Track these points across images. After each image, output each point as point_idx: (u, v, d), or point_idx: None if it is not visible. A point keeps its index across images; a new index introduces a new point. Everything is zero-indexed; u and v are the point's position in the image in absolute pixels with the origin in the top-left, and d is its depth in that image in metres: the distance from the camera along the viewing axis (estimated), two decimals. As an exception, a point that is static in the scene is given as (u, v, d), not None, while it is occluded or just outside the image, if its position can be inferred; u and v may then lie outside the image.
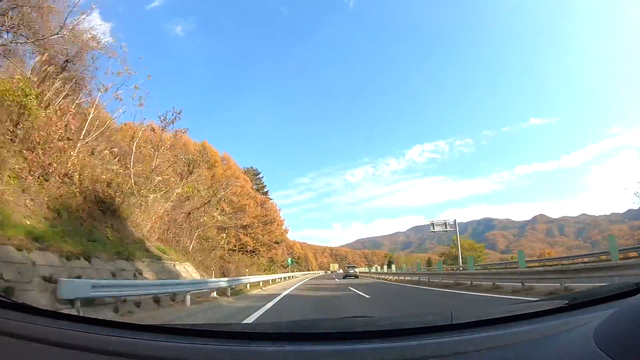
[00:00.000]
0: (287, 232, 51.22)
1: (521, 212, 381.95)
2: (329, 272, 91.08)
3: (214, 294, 11.14)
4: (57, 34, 10.10)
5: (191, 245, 18.22)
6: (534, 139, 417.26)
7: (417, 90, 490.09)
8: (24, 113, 8.28)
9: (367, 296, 11.60)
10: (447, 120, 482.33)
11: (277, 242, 47.05)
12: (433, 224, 37.13)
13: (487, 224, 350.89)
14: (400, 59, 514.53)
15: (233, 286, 13.06)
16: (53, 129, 8.87)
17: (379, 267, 54.67)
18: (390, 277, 29.08)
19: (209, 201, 23.01)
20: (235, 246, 37.39)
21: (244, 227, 39.68)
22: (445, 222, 36.77)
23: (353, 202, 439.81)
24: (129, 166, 14.01)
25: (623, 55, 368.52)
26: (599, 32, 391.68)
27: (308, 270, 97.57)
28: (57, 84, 10.46)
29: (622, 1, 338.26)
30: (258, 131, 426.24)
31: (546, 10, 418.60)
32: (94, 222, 9.46)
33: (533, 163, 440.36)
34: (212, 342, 1.00)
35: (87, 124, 11.10)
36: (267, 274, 29.63)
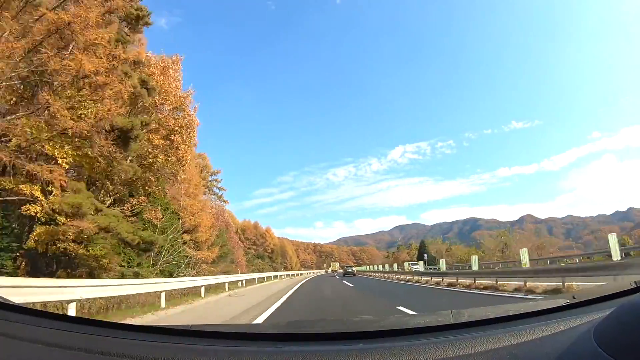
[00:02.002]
0: (192, 134, 15.25)
1: (502, 214, 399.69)
2: (329, 271, 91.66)
3: None
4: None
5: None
6: (515, 141, 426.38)
7: (400, 90, 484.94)
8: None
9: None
10: (429, 122, 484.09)
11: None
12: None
13: (472, 224, 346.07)
14: (384, 58, 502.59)
15: None
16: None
17: (395, 266, 40.04)
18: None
19: None
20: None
21: None
22: None
23: (335, 201, 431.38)
24: None
25: (604, 62, 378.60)
26: (581, 38, 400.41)
27: (287, 269, 66.83)
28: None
29: (602, 9, 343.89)
30: (240, 127, 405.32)
31: (530, 16, 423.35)
32: None
33: (514, 166, 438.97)
34: (212, 342, 1.00)
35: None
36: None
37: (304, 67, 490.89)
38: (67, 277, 10.12)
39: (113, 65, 10.66)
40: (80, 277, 10.44)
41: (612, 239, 9.79)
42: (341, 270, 62.46)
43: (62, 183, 9.88)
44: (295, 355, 0.85)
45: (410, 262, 43.28)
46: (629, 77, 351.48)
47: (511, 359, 0.76)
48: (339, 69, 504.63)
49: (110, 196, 13.46)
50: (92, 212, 10.35)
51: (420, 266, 26.72)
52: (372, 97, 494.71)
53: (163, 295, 8.62)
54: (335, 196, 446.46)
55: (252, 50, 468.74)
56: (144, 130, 12.93)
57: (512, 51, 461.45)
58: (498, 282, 10.73)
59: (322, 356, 0.84)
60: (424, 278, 18.88)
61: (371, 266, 69.00)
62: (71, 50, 9.98)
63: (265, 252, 77.34)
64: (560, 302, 1.14)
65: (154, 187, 15.32)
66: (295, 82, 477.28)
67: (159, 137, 14.37)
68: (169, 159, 14.69)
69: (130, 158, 12.80)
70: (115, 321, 1.17)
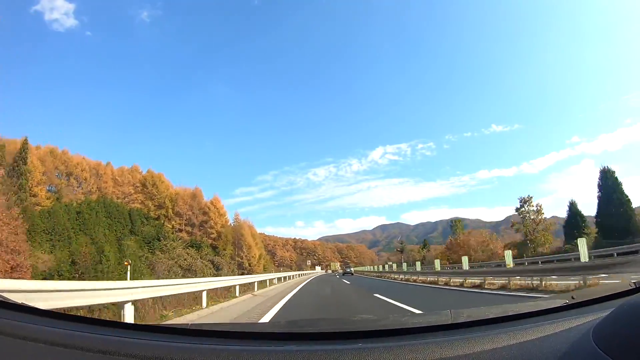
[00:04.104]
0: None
1: (486, 214, 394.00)
2: (329, 271, 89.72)
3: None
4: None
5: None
6: (495, 145, 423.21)
7: (382, 91, 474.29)
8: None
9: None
10: (410, 123, 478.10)
11: None
12: None
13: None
14: (366, 60, 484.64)
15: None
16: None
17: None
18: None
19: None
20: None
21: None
22: None
23: (316, 201, 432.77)
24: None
25: (585, 68, 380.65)
26: (561, 44, 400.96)
27: (243, 269, 37.97)
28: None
29: (583, 16, 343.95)
30: (219, 124, 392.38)
31: (510, 22, 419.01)
32: None
33: (494, 168, 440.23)
34: (211, 341, 0.99)
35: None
36: None
37: (285, 66, 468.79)
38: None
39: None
40: None
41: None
42: (341, 270, 68.36)
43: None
44: (295, 355, 0.85)
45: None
46: (609, 84, 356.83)
47: (510, 359, 0.76)
48: (320, 69, 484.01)
49: None
50: None
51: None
52: (353, 97, 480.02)
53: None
54: (316, 196, 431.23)
55: (234, 47, 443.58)
56: None
57: (492, 56, 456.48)
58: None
59: (321, 355, 0.83)
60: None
61: (372, 266, 60.98)
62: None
63: (207, 238, 47.67)
64: (560, 302, 1.13)
65: None
66: (276, 82, 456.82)
67: None
68: None
69: None
70: (115, 320, 1.14)
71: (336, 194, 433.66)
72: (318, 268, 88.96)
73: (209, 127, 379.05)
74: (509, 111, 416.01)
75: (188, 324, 1.27)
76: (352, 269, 53.18)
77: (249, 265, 46.82)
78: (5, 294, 1.17)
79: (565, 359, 0.73)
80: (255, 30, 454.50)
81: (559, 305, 1.10)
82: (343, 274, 42.75)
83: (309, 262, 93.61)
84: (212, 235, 48.27)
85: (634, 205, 31.24)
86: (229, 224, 51.70)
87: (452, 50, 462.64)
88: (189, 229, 48.44)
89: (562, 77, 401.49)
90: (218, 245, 45.79)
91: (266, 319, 6.65)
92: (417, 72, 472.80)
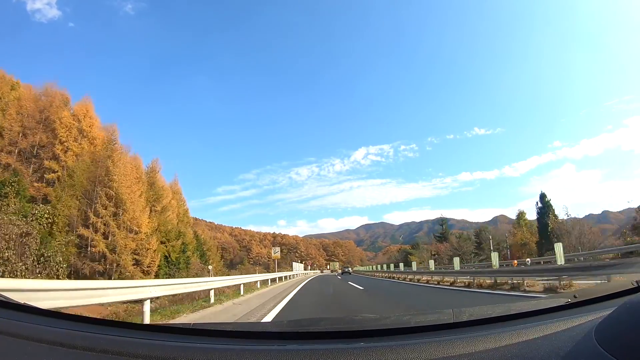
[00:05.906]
0: None
1: (472, 215, 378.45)
2: (325, 271, 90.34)
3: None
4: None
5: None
6: (477, 147, 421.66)
7: (364, 92, 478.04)
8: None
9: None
10: (392, 125, 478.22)
11: None
12: None
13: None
14: (348, 59, 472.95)
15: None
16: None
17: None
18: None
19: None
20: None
21: None
22: None
23: (298, 200, 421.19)
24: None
25: (567, 74, 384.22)
26: (544, 50, 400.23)
27: (95, 259, 12.05)
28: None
29: (567, 22, 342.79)
30: (202, 121, 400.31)
31: (493, 27, 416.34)
32: None
33: (476, 171, 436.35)
34: (213, 341, 0.99)
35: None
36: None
37: (268, 65, 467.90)
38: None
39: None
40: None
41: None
42: (340, 270, 76.64)
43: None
44: (297, 354, 0.85)
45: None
46: (591, 90, 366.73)
47: (512, 357, 0.76)
48: (305, 70, 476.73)
49: None
50: None
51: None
52: (336, 98, 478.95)
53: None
54: (298, 195, 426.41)
55: (216, 42, 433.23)
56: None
57: (475, 60, 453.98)
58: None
59: (323, 355, 0.83)
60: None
61: (378, 265, 52.32)
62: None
63: (38, 182, 22.91)
64: (562, 301, 1.14)
65: None
66: (258, 80, 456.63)
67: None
68: None
69: None
70: (117, 320, 1.03)
71: (319, 193, 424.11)
72: (300, 267, 53.40)
73: (193, 125, 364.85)
74: (492, 115, 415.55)
75: (190, 323, 1.26)
76: (349, 268, 63.00)
77: (117, 254, 21.23)
78: (6, 294, 1.14)
79: (568, 358, 0.72)
80: (241, 28, 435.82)
81: (561, 304, 1.10)
82: (342, 273, 50.80)
83: (276, 250, 50.97)
84: (49, 175, 23.57)
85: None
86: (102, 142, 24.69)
87: (435, 53, 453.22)
88: (6, 158, 23.66)
89: (546, 82, 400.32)
90: (53, 196, 21.31)
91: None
92: (399, 75, 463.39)
